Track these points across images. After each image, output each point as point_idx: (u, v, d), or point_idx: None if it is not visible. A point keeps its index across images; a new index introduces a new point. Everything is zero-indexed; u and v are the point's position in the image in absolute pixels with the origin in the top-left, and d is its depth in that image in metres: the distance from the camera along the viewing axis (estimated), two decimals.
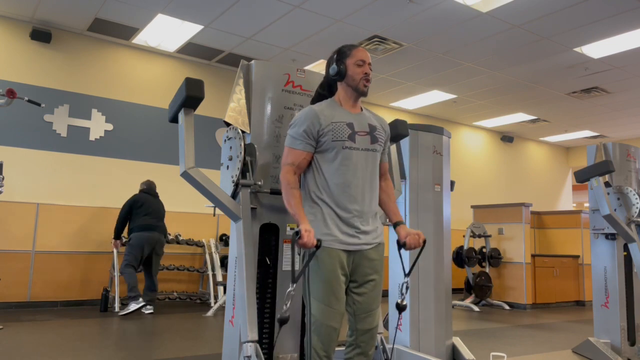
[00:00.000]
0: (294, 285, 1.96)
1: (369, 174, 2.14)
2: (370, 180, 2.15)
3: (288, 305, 1.95)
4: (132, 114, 6.67)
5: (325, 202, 2.09)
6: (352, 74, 2.16)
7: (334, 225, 2.06)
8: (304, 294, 2.09)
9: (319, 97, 2.28)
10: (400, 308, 2.16)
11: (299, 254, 2.13)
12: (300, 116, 2.13)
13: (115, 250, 6.05)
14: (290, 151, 2.11)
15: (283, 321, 1.95)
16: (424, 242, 2.18)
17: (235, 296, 2.41)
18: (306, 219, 2.03)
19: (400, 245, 2.19)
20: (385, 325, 3.66)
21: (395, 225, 2.23)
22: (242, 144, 2.40)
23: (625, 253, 4.18)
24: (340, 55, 2.19)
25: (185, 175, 2.30)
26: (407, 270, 2.19)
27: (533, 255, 7.54)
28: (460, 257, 7.22)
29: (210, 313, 5.67)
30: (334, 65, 2.18)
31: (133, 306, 5.39)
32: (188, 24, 6.01)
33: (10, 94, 4.42)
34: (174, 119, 2.42)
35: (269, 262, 2.50)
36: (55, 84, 6.18)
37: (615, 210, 4.11)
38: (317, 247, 1.96)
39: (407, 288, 2.18)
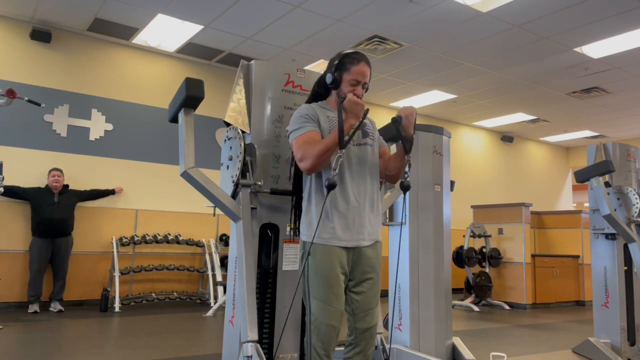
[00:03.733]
0: (343, 151, 1.97)
1: (364, 168, 2.16)
2: (365, 175, 2.15)
3: (337, 170, 1.96)
4: (132, 114, 6.67)
5: (323, 199, 2.09)
6: (344, 89, 2.16)
7: (331, 221, 2.07)
8: (303, 293, 2.09)
9: (315, 95, 2.30)
10: (405, 187, 2.13)
11: (301, 252, 2.13)
12: (296, 111, 2.18)
13: (115, 251, 6.06)
14: (299, 138, 2.09)
15: (331, 186, 1.94)
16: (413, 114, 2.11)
17: (235, 296, 2.41)
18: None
19: (398, 121, 2.10)
20: (385, 325, 3.66)
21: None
22: (242, 144, 2.40)
23: (626, 268, 4.16)
24: (340, 66, 2.16)
25: (185, 175, 2.30)
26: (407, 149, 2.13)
27: (533, 255, 7.53)
28: (460, 257, 7.22)
29: (210, 313, 5.67)
30: (330, 74, 2.18)
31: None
32: (188, 24, 6.01)
33: (10, 94, 4.42)
34: (174, 119, 2.42)
35: (270, 234, 2.50)
36: (55, 84, 6.18)
37: (615, 210, 4.11)
38: (365, 113, 1.99)
39: (409, 166, 2.17)
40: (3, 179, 4.47)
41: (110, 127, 6.48)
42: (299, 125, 2.12)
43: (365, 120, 2.24)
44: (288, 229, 2.55)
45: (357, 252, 2.10)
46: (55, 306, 5.58)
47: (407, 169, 2.16)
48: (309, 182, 2.15)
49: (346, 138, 1.98)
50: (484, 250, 7.49)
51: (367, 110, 1.98)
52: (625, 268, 4.16)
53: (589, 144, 8.56)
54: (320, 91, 2.28)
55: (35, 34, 6.02)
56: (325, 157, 2.00)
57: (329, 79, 2.19)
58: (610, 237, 4.18)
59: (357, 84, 2.15)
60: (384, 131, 2.85)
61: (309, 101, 2.30)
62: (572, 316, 6.69)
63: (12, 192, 5.58)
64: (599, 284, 4.21)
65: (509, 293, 7.39)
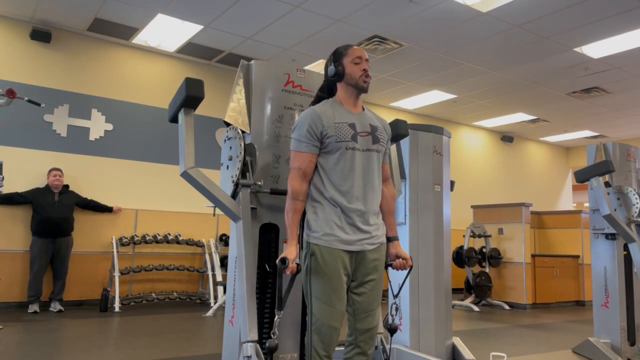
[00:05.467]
0: (282, 313, 2.02)
1: (371, 174, 2.15)
2: (372, 181, 2.15)
3: (277, 333, 2.00)
4: (132, 114, 6.67)
5: (328, 202, 2.09)
6: (350, 72, 2.16)
7: (336, 225, 2.06)
8: (305, 294, 2.09)
9: (319, 100, 2.27)
10: (392, 330, 2.18)
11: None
12: (302, 118, 2.13)
13: (115, 251, 6.06)
14: (296, 155, 2.11)
15: (272, 350, 1.98)
16: (411, 267, 2.22)
17: (235, 296, 2.41)
18: (295, 241, 2.05)
19: (387, 265, 2.23)
20: (385, 326, 3.66)
21: (389, 240, 2.25)
22: (242, 144, 2.39)
23: (625, 252, 4.18)
24: (337, 56, 2.19)
25: (185, 175, 2.30)
26: (395, 292, 2.23)
27: (533, 255, 7.54)
28: (460, 257, 7.22)
29: (210, 313, 5.67)
30: (332, 67, 2.18)
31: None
32: (188, 24, 6.01)
33: (10, 94, 4.42)
34: (174, 119, 2.42)
35: (268, 269, 2.50)
36: (55, 84, 6.18)
37: (615, 210, 4.11)
38: (298, 272, 2.02)
39: (396, 309, 2.22)
40: (3, 178, 4.47)
41: (110, 127, 6.48)
42: (299, 137, 2.10)
43: (377, 124, 2.23)
44: None
45: (360, 255, 2.10)
46: (55, 306, 5.57)
47: (394, 311, 2.24)
48: (313, 182, 2.14)
49: (350, 153, 2.10)
50: (484, 250, 7.49)
51: (299, 270, 2.03)
52: (625, 253, 4.16)
53: (589, 144, 8.56)
54: (323, 96, 2.26)
55: (35, 34, 6.02)
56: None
57: (331, 71, 2.18)
58: (610, 237, 4.18)
59: (360, 60, 2.17)
60: None
61: (316, 102, 2.28)
62: (572, 316, 6.69)
63: (12, 200, 5.59)
64: (599, 284, 4.21)
65: (509, 293, 7.39)
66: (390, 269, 2.25)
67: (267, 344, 1.98)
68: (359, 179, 2.11)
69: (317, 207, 2.10)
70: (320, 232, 2.05)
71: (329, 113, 2.13)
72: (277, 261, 1.98)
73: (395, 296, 2.23)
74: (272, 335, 2.00)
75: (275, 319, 2.01)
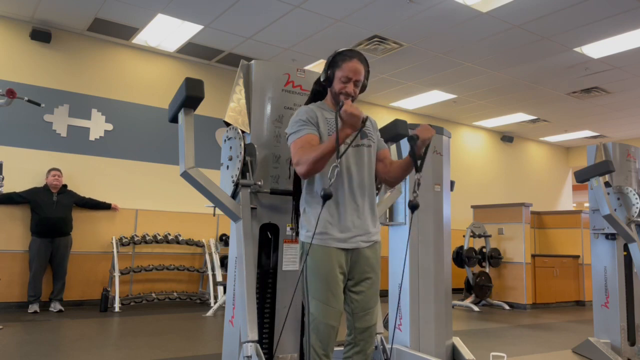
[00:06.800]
0: (339, 160, 1.94)
1: (362, 170, 2.15)
2: (362, 176, 2.15)
3: (332, 180, 1.93)
4: (132, 114, 6.67)
5: (321, 201, 2.09)
6: (335, 86, 2.16)
7: (329, 224, 2.07)
8: (302, 293, 2.10)
9: (314, 94, 2.30)
10: (413, 206, 2.08)
11: (301, 251, 2.13)
12: (295, 113, 2.18)
13: (115, 251, 6.06)
14: (297, 141, 2.08)
15: (327, 196, 1.90)
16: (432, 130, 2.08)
17: (235, 296, 2.41)
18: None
19: (414, 139, 2.06)
20: (385, 325, 3.66)
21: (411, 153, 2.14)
22: (242, 144, 2.39)
23: (625, 253, 4.18)
24: (333, 64, 2.16)
25: (185, 175, 2.30)
26: (418, 167, 2.08)
27: (533, 255, 7.53)
28: (460, 257, 7.22)
29: (210, 313, 5.67)
30: (324, 72, 2.19)
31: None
32: (188, 24, 6.01)
33: (10, 94, 4.42)
34: (174, 119, 2.42)
35: (270, 236, 2.49)
36: (55, 84, 6.18)
37: (615, 210, 4.11)
38: (364, 122, 1.91)
39: (419, 185, 2.11)
40: (3, 178, 4.47)
41: (110, 127, 6.48)
42: (297, 128, 2.11)
43: None
44: (288, 229, 2.55)
45: (355, 253, 2.11)
46: (55, 306, 5.58)
47: (417, 187, 2.11)
48: (307, 183, 2.15)
49: (342, 149, 1.96)
50: (484, 250, 7.49)
51: (366, 118, 1.93)
52: (625, 253, 4.16)
53: (589, 144, 8.56)
54: (318, 89, 2.28)
55: (35, 34, 6.02)
56: (320, 163, 1.99)
57: (322, 76, 2.20)
58: (610, 237, 4.18)
59: (347, 80, 2.12)
60: (385, 130, 2.85)
61: (309, 101, 2.30)
62: (572, 316, 6.69)
63: (10, 199, 5.60)
64: (599, 284, 4.21)
65: (509, 293, 7.39)
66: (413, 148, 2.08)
67: (322, 193, 1.90)
68: (351, 174, 2.12)
69: (311, 206, 2.11)
70: (315, 231, 2.05)
71: (318, 111, 2.17)
72: (338, 107, 1.93)
73: (418, 171, 2.09)
74: (329, 181, 1.92)
75: (333, 164, 1.93)
